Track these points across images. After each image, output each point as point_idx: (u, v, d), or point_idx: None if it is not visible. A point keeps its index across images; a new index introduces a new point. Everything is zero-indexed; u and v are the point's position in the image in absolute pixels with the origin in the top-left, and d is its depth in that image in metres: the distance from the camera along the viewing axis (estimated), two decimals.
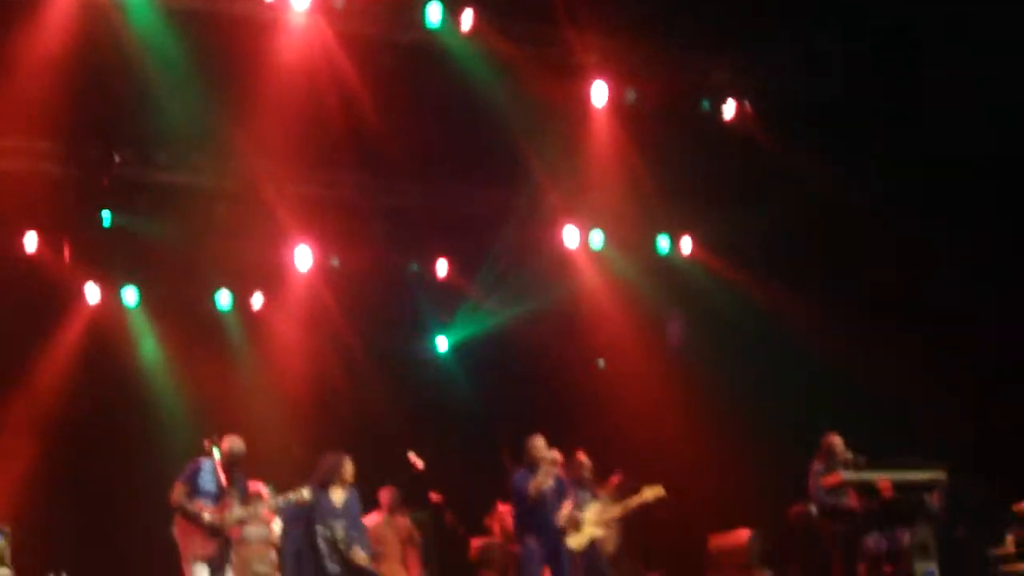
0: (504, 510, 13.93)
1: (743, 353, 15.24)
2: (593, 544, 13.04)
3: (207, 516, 11.08)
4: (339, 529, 11.76)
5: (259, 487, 12.28)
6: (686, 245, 16.22)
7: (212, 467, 11.29)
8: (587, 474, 13.42)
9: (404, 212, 15.20)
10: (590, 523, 13.02)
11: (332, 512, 11.82)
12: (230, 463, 11.34)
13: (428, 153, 14.34)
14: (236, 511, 11.22)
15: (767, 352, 15.01)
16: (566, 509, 12.55)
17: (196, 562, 11.04)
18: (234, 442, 11.41)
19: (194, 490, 11.19)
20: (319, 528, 11.78)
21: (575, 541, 12.80)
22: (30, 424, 13.51)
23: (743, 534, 13.94)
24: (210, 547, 11.07)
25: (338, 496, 11.92)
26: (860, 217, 14.36)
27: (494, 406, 15.47)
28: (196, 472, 11.26)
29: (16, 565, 11.34)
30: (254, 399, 14.64)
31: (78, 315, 14.37)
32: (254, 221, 14.40)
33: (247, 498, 11.49)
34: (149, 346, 14.67)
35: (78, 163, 13.45)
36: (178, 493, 11.16)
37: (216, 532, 11.10)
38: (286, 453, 14.18)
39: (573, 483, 13.10)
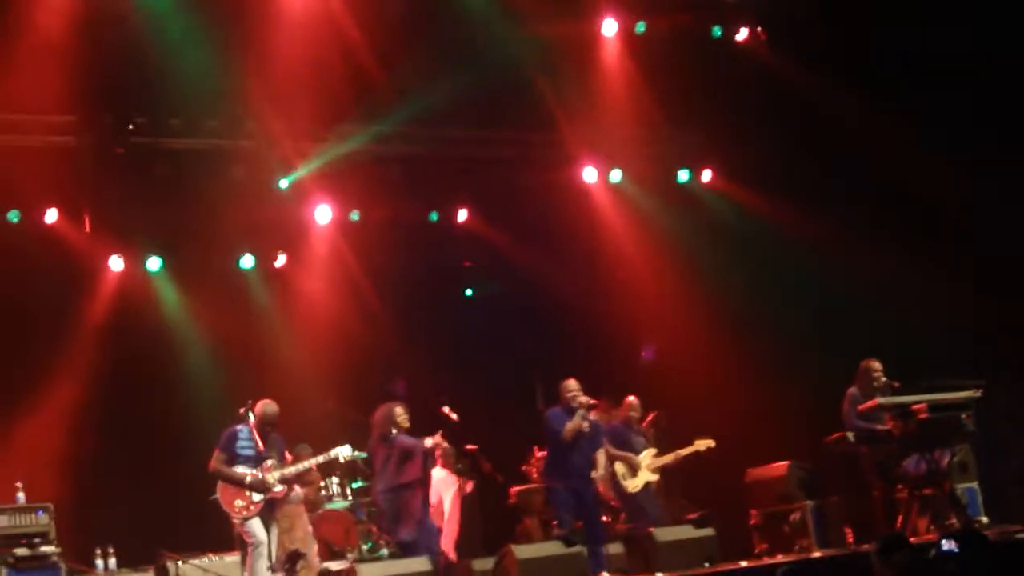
0: (541, 456, 13.98)
1: (773, 282, 15.13)
2: (647, 487, 13.16)
3: (249, 478, 11.17)
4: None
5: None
6: (706, 176, 16.14)
7: (248, 432, 11.37)
8: (636, 413, 13.49)
9: (421, 160, 15.12)
10: (644, 467, 13.16)
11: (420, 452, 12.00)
12: (264, 425, 11.43)
13: (441, 97, 14.21)
14: (276, 472, 11.31)
15: (798, 280, 14.90)
16: (601, 459, 12.59)
17: (248, 519, 11.16)
18: (267, 405, 11.49)
19: (232, 456, 11.30)
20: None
21: (631, 484, 13.00)
22: (63, 401, 13.50)
23: (782, 465, 13.95)
24: (254, 507, 11.20)
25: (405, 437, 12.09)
26: (881, 137, 14.18)
27: (523, 351, 15.43)
28: (233, 438, 11.36)
29: (61, 543, 11.38)
30: (283, 357, 14.64)
31: (103, 285, 14.32)
32: (272, 180, 14.35)
33: (283, 458, 11.58)
34: (175, 310, 14.63)
35: (93, 133, 13.40)
36: (217, 460, 11.29)
37: (260, 490, 11.23)
38: (320, 409, 14.24)
39: (626, 427, 13.27)
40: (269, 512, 11.36)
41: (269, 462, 11.37)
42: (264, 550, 11.12)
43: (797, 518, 13.42)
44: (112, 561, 11.95)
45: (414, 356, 15.18)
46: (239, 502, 11.20)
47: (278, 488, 11.37)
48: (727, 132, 15.56)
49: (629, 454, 13.17)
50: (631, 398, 13.43)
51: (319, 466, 12.29)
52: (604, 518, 13.02)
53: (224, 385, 13.57)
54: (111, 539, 12.12)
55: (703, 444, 13.65)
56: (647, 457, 13.29)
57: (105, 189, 13.65)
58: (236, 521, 11.24)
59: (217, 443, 11.41)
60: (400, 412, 12.21)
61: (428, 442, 12.18)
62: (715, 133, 15.73)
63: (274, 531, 11.46)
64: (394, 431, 12.15)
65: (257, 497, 11.23)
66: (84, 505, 12.62)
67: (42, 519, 11.44)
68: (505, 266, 15.95)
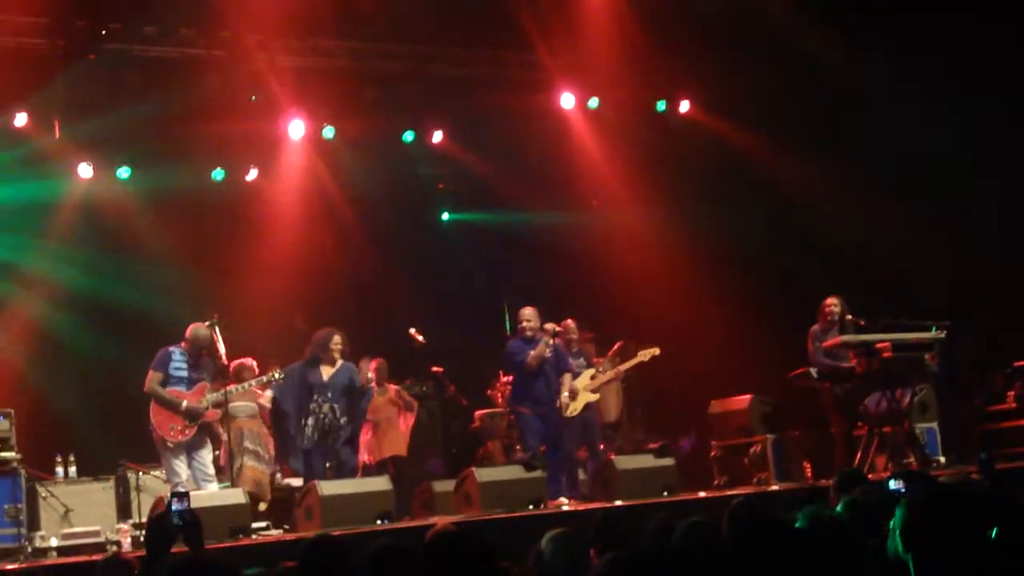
0: (506, 381, 14.03)
1: (747, 216, 15.14)
2: (588, 408, 13.10)
3: (185, 403, 11.14)
4: (323, 404, 11.84)
5: (248, 361, 12.31)
6: (684, 106, 16.04)
7: (182, 353, 11.29)
8: (575, 336, 13.39)
9: (397, 78, 14.97)
10: (583, 389, 13.08)
11: (319, 387, 11.90)
12: (196, 348, 11.36)
13: (419, 15, 14.06)
14: (209, 395, 11.31)
15: (768, 214, 14.91)
16: (567, 382, 12.61)
17: (174, 450, 11.15)
18: (198, 328, 11.47)
19: (167, 377, 11.25)
20: (309, 403, 11.86)
21: (571, 407, 12.89)
22: (26, 308, 13.45)
23: (744, 399, 14.04)
24: (188, 431, 11.18)
25: (327, 371, 11.99)
26: (862, 78, 14.13)
27: (494, 275, 15.40)
28: (167, 359, 11.35)
29: (21, 448, 11.37)
30: (252, 272, 14.59)
31: (71, 192, 14.20)
32: (246, 93, 14.20)
33: (214, 381, 11.53)
34: (143, 220, 14.52)
35: (65, 38, 13.20)
36: (151, 381, 11.24)
37: (194, 417, 11.20)
38: (288, 326, 14.22)
39: (564, 350, 13.14)
40: (199, 435, 11.33)
41: (201, 384, 11.35)
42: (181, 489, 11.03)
43: (757, 451, 13.54)
44: (72, 469, 11.97)
45: (384, 276, 15.14)
46: (173, 426, 11.17)
47: (213, 410, 11.35)
48: (708, 63, 15.43)
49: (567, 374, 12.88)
50: (568, 321, 13.28)
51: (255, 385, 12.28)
52: None
53: (191, 298, 13.50)
54: (72, 448, 12.13)
55: (647, 353, 13.45)
56: (584, 379, 13.20)
57: (76, 95, 13.48)
58: (169, 446, 11.17)
59: (151, 363, 11.36)
60: (338, 340, 12.10)
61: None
62: (695, 63, 15.60)
63: (207, 452, 11.42)
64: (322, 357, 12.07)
65: (191, 421, 11.21)
66: (46, 413, 12.61)
67: (3, 424, 11.42)
68: (479, 190, 15.87)
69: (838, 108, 14.50)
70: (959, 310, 13.05)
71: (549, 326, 12.37)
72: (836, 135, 14.55)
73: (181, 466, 11.13)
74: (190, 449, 11.21)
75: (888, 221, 13.94)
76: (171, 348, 11.36)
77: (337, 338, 12.04)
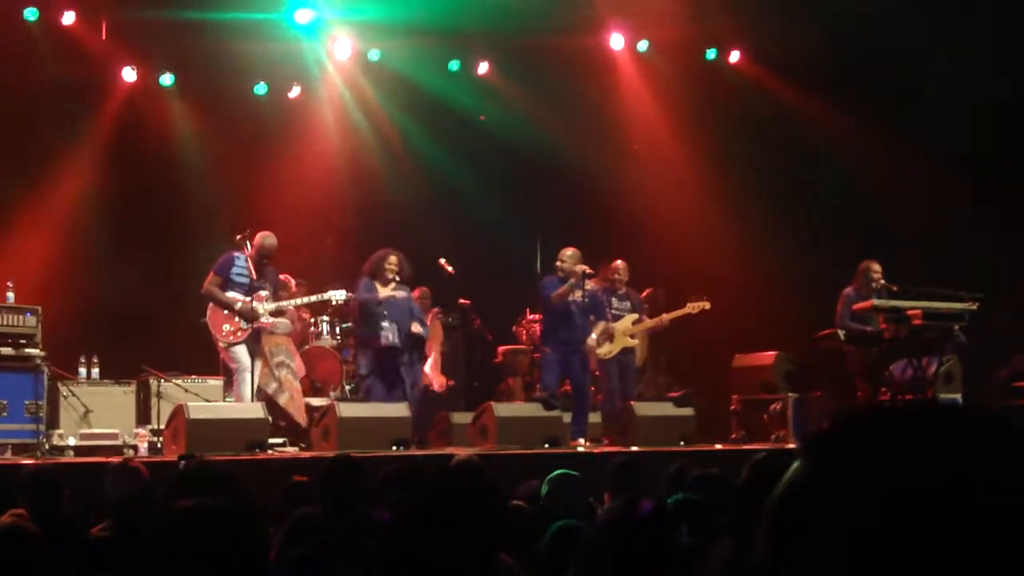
0: (532, 318, 14.00)
1: (786, 173, 15.00)
2: (624, 353, 13.07)
3: (239, 305, 11.21)
4: (382, 322, 11.83)
5: (288, 278, 12.36)
6: (734, 56, 15.85)
7: (245, 260, 11.39)
8: (621, 277, 13.28)
9: (446, 2, 14.81)
10: (622, 332, 13.01)
11: (374, 304, 11.89)
12: (261, 257, 11.42)
13: None
14: (267, 304, 11.34)
15: (811, 174, 14.76)
16: (598, 328, 12.51)
17: (234, 345, 11.21)
18: (266, 237, 11.48)
19: (226, 281, 11.32)
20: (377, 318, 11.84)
21: (604, 349, 12.83)
22: (61, 208, 13.47)
23: (770, 355, 13.97)
24: (242, 334, 11.26)
25: (383, 291, 11.97)
26: (918, 40, 13.91)
27: (528, 212, 15.27)
28: (229, 263, 11.39)
29: (47, 346, 11.40)
30: (286, 189, 14.56)
31: (113, 95, 14.19)
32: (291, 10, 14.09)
33: (276, 292, 11.63)
34: (183, 128, 14.50)
35: None
36: (210, 283, 11.33)
37: (249, 319, 11.26)
38: (317, 246, 14.21)
39: (607, 292, 13.03)
40: (255, 341, 11.42)
41: (262, 292, 11.41)
42: (248, 376, 11.20)
43: (778, 408, 13.48)
44: (96, 371, 12.02)
45: (418, 202, 15.09)
46: (227, 327, 11.27)
47: (267, 319, 11.44)
48: (764, 14, 15.21)
49: (601, 321, 12.82)
50: (617, 262, 13.23)
51: (309, 304, 12.34)
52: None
53: (223, 210, 13.50)
54: (97, 350, 12.18)
55: (696, 307, 13.31)
56: (626, 322, 13.14)
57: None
58: (221, 346, 11.31)
59: (212, 266, 11.45)
60: (393, 260, 12.11)
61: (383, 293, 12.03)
62: (751, 14, 15.38)
63: (258, 361, 11.52)
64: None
65: (245, 324, 11.28)
66: (74, 313, 12.64)
67: (30, 320, 11.41)
68: (520, 124, 15.75)
69: (890, 71, 14.29)
70: (995, 282, 12.91)
71: (579, 267, 12.20)
72: (886, 99, 14.35)
73: (243, 354, 11.19)
74: (249, 349, 11.29)
75: (932, 187, 13.76)
76: (236, 253, 11.42)
77: (392, 258, 12.03)
